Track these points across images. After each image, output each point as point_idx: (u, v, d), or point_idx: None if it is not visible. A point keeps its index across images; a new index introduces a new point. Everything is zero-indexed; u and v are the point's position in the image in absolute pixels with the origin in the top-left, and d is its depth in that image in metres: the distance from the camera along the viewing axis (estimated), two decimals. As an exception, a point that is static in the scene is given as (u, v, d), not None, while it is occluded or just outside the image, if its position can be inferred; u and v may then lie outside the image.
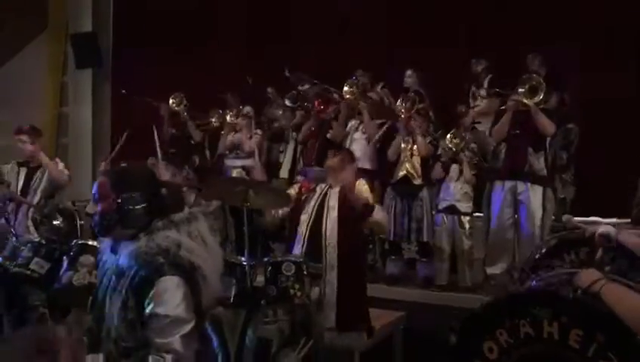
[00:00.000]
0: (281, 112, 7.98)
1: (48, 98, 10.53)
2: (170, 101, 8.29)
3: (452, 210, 6.04)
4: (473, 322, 3.38)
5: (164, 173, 5.26)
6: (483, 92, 7.28)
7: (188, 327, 2.34)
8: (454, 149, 5.99)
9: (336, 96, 7.23)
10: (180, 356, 2.31)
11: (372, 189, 6.44)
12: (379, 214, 4.56)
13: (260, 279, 4.01)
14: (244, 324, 3.87)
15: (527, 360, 3.14)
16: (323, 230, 4.41)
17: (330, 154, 4.82)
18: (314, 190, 4.64)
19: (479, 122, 7.13)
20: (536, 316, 3.09)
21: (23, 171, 6.11)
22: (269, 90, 8.46)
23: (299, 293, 3.87)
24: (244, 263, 3.86)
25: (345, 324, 4.34)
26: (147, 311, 2.32)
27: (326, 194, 4.58)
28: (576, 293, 3.01)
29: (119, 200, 2.45)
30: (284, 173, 7.64)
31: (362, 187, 4.61)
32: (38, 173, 6.07)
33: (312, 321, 4.22)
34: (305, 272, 3.94)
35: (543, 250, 4.58)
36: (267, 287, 3.85)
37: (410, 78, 7.30)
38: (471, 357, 3.24)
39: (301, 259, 4.03)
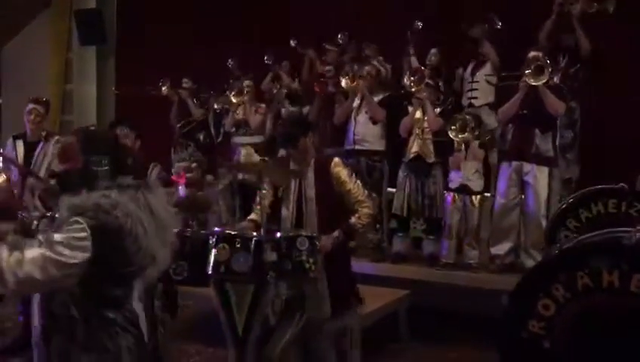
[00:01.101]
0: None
1: (52, 75, 10.49)
2: (163, 89, 8.44)
3: (463, 189, 6.04)
4: (527, 281, 3.43)
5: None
6: (483, 72, 7.09)
7: (61, 258, 2.28)
8: (464, 142, 5.97)
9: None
10: (27, 265, 2.25)
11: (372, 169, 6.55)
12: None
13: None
14: (252, 300, 3.88)
15: (586, 312, 3.17)
16: (304, 226, 4.30)
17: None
18: (288, 182, 4.44)
19: (475, 97, 7.05)
20: (595, 266, 3.10)
21: (20, 145, 5.99)
22: (284, 63, 8.46)
23: (313, 267, 3.89)
24: (256, 238, 3.86)
25: (340, 309, 4.31)
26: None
27: (301, 185, 4.39)
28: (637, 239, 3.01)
29: (86, 161, 2.51)
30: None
31: (339, 168, 4.37)
32: (40, 149, 5.92)
33: (306, 296, 4.23)
34: (318, 247, 3.95)
35: (571, 200, 4.80)
36: (283, 262, 3.84)
37: (434, 56, 7.17)
38: (525, 319, 3.27)
39: (314, 234, 4.01)
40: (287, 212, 4.41)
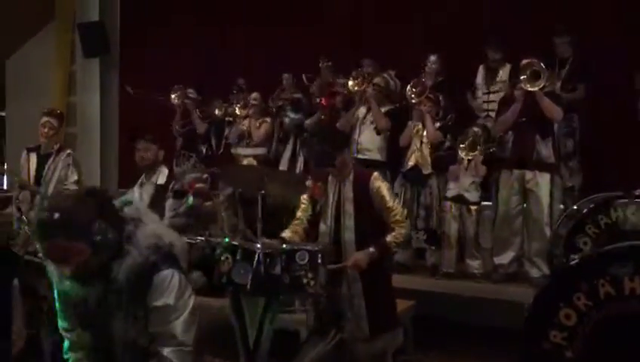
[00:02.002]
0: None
1: (56, 87, 10.55)
2: (172, 96, 8.35)
3: (460, 199, 6.07)
4: (547, 290, 3.42)
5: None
6: (499, 81, 7.00)
7: (186, 313, 2.38)
8: (472, 159, 5.97)
9: (341, 85, 7.22)
10: (181, 342, 2.36)
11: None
12: None
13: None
14: (262, 312, 3.86)
15: (608, 320, 3.16)
16: (342, 241, 4.23)
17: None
18: (326, 195, 4.36)
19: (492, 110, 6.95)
20: (616, 274, 3.10)
21: (34, 157, 5.97)
22: (286, 76, 8.29)
23: (312, 283, 3.79)
24: (259, 251, 3.80)
25: (378, 330, 4.25)
26: (149, 306, 2.36)
27: (339, 199, 4.31)
28: None
29: (90, 244, 2.24)
30: (283, 165, 7.63)
31: (379, 183, 4.25)
32: (51, 162, 5.91)
33: (342, 313, 4.20)
34: (319, 261, 3.84)
35: (592, 205, 4.75)
36: (282, 275, 3.78)
37: (434, 64, 7.03)
38: (547, 329, 3.25)
39: (317, 248, 3.92)
40: (325, 227, 4.34)
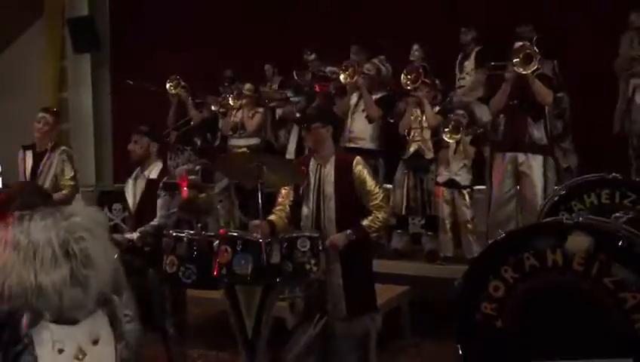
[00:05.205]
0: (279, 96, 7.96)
1: (48, 84, 10.52)
2: (167, 85, 8.32)
3: (451, 183, 6.10)
4: (477, 265, 3.64)
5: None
6: (469, 65, 7.24)
7: None
8: (456, 142, 6.01)
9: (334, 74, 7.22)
10: None
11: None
12: None
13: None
14: (260, 302, 3.89)
15: (533, 291, 3.35)
16: (323, 225, 4.29)
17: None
18: (308, 179, 4.38)
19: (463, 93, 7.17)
20: (539, 247, 3.30)
21: (29, 155, 5.88)
22: (267, 67, 8.44)
23: (315, 268, 3.86)
24: (259, 240, 3.82)
25: (356, 310, 4.29)
26: None
27: (320, 182, 4.36)
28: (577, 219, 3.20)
29: None
30: (289, 155, 7.63)
31: (361, 167, 4.32)
32: (46, 159, 5.81)
33: (326, 298, 4.25)
34: (320, 248, 3.91)
35: (556, 198, 4.79)
36: (283, 263, 3.81)
37: (417, 51, 7.16)
38: (478, 300, 3.44)
39: (317, 234, 3.98)
40: (307, 210, 4.39)
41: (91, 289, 2.11)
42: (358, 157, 4.41)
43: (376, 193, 4.27)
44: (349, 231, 4.19)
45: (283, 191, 4.49)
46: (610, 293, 3.16)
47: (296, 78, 7.91)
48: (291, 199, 4.45)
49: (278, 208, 4.46)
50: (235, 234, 4.02)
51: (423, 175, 6.33)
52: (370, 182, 4.28)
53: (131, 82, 8.90)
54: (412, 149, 6.37)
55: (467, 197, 6.08)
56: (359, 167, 4.30)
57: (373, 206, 4.25)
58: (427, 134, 6.33)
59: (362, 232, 4.23)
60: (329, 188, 4.31)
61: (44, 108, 6.05)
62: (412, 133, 6.37)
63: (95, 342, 2.15)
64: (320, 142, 4.41)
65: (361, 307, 4.33)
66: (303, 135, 7.46)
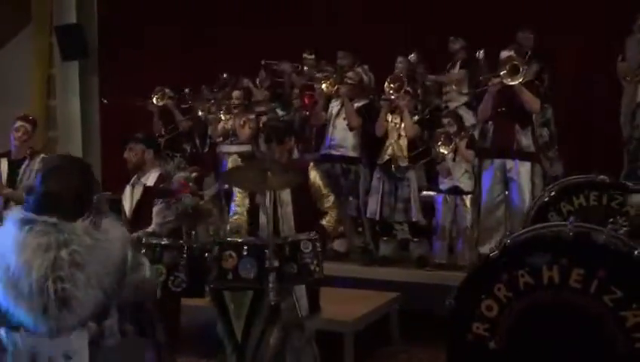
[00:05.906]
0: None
1: (36, 91, 10.45)
2: (154, 98, 8.29)
3: (455, 190, 6.13)
4: (468, 284, 3.43)
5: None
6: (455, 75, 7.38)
7: None
8: (448, 153, 6.04)
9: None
10: None
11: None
12: None
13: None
14: (250, 306, 3.91)
15: (528, 310, 3.19)
16: (281, 231, 4.37)
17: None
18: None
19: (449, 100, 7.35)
20: (535, 263, 3.13)
21: (4, 163, 5.92)
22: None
23: (317, 269, 3.94)
24: (262, 244, 3.88)
25: (313, 308, 4.40)
26: None
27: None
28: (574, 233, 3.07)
29: None
30: None
31: (314, 173, 4.53)
32: (26, 166, 5.84)
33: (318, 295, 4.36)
34: (319, 249, 4.00)
35: (545, 199, 4.78)
36: (287, 266, 3.87)
37: (400, 63, 7.24)
38: (469, 321, 3.28)
39: (315, 236, 4.05)
40: (264, 217, 4.39)
41: (66, 322, 2.09)
42: (311, 164, 4.69)
43: (329, 195, 4.53)
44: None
45: (237, 199, 4.57)
46: (610, 311, 3.03)
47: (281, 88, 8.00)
48: (247, 206, 4.53)
49: (235, 217, 4.54)
50: (240, 240, 4.05)
51: (398, 181, 6.35)
52: (324, 186, 4.53)
53: (106, 101, 8.90)
54: (387, 156, 6.40)
55: (468, 203, 6.11)
56: (313, 172, 4.53)
57: (328, 208, 4.50)
58: (404, 142, 6.36)
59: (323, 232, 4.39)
60: (285, 195, 4.42)
61: (22, 117, 6.05)
62: (389, 139, 6.40)
63: (67, 358, 2.14)
64: (289, 152, 4.64)
65: (315, 306, 4.43)
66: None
